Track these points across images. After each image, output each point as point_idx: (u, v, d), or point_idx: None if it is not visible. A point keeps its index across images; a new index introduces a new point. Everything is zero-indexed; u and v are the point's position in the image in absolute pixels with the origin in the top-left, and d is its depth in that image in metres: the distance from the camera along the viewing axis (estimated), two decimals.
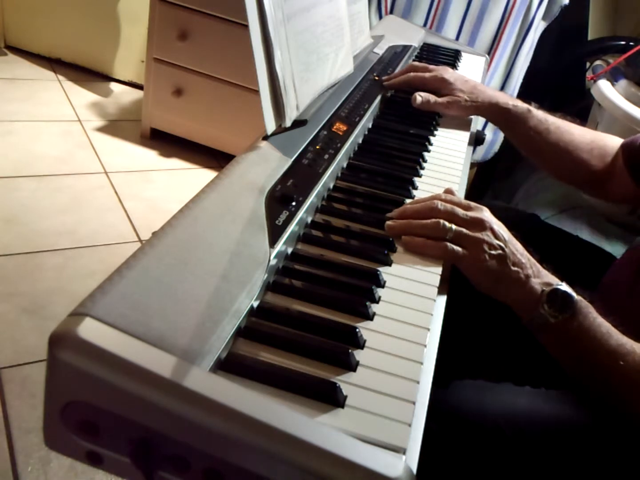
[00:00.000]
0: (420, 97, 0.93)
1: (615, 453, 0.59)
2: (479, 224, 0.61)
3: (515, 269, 0.59)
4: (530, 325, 0.59)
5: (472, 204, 0.64)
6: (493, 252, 0.59)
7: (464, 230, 0.60)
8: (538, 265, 0.61)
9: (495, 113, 0.92)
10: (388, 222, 0.63)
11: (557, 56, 2.10)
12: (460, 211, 0.62)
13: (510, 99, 0.92)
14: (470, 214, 0.62)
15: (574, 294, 0.57)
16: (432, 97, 0.93)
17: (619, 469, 0.59)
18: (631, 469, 0.58)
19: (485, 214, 0.62)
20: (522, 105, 0.90)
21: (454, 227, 0.60)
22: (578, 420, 0.61)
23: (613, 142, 0.89)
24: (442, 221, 0.60)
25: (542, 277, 0.59)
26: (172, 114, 1.99)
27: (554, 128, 0.89)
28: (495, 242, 0.59)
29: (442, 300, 0.57)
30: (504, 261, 0.59)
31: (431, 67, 0.98)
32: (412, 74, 0.97)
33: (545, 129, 0.89)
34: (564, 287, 0.58)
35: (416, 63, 1.02)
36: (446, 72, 0.95)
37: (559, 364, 0.60)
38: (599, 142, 0.89)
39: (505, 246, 0.59)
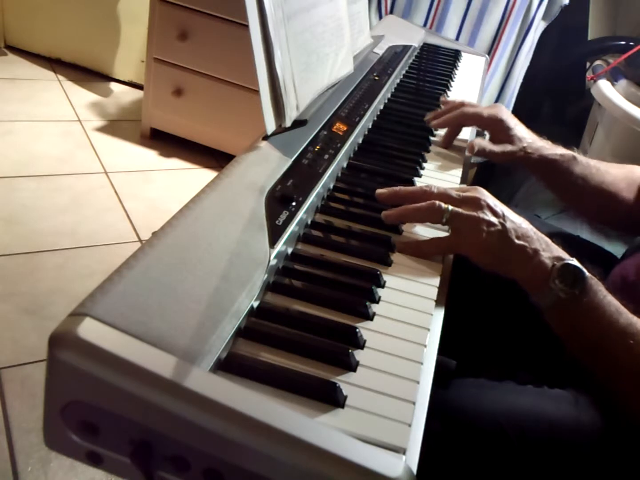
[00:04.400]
0: (476, 146, 0.82)
1: (619, 454, 0.58)
2: (474, 203, 0.60)
3: (520, 242, 0.58)
4: (539, 301, 0.58)
5: (465, 186, 0.63)
6: (492, 229, 0.58)
7: (460, 210, 0.60)
8: (546, 238, 0.59)
9: (542, 164, 0.85)
10: (384, 211, 0.63)
11: (557, 56, 2.10)
12: (453, 192, 0.61)
13: (552, 147, 0.85)
14: (464, 193, 0.61)
15: (585, 270, 0.56)
16: (487, 145, 0.84)
17: (623, 470, 0.58)
18: (637, 470, 0.58)
19: (480, 192, 0.61)
20: (567, 152, 0.85)
21: (450, 207, 0.59)
22: (581, 419, 0.60)
23: None
24: (437, 202, 0.60)
25: (552, 252, 0.58)
26: (172, 114, 1.99)
27: (596, 171, 0.85)
28: (493, 218, 0.59)
29: (442, 300, 0.57)
30: (505, 236, 0.58)
31: (483, 107, 0.89)
32: (466, 108, 0.88)
33: (588, 173, 0.85)
34: (575, 262, 0.57)
35: (467, 101, 0.90)
36: (503, 113, 0.87)
37: (561, 362, 0.60)
38: (631, 175, 0.86)
39: (505, 221, 0.59)
